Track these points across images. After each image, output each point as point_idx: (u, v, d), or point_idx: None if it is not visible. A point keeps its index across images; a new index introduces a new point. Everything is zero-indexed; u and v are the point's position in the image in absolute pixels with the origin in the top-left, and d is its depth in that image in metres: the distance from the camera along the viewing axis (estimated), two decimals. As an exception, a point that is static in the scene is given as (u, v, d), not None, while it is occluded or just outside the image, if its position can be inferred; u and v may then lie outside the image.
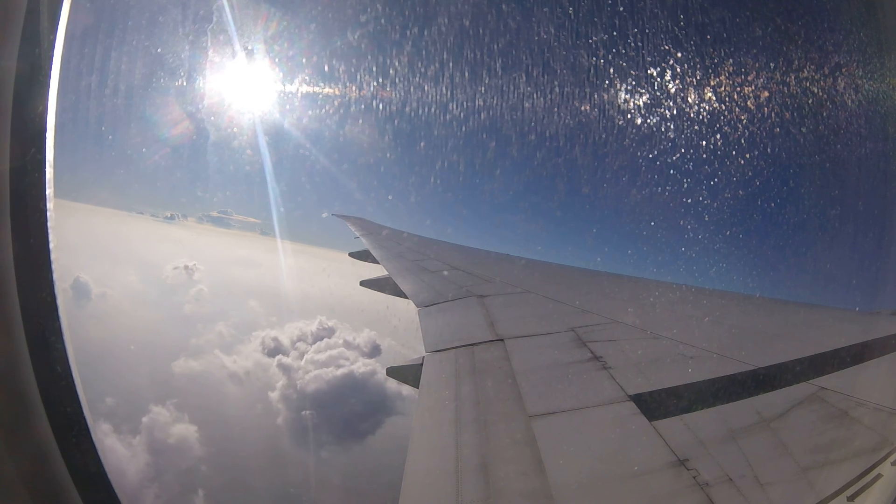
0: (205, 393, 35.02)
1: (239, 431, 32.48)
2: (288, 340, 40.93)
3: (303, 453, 32.01)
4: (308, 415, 33.66)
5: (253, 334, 41.80)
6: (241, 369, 38.17)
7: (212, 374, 37.11)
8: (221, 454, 29.32)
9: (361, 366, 37.40)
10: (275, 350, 39.72)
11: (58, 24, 1.56)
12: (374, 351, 40.38)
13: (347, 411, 34.28)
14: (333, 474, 30.03)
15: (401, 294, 6.80)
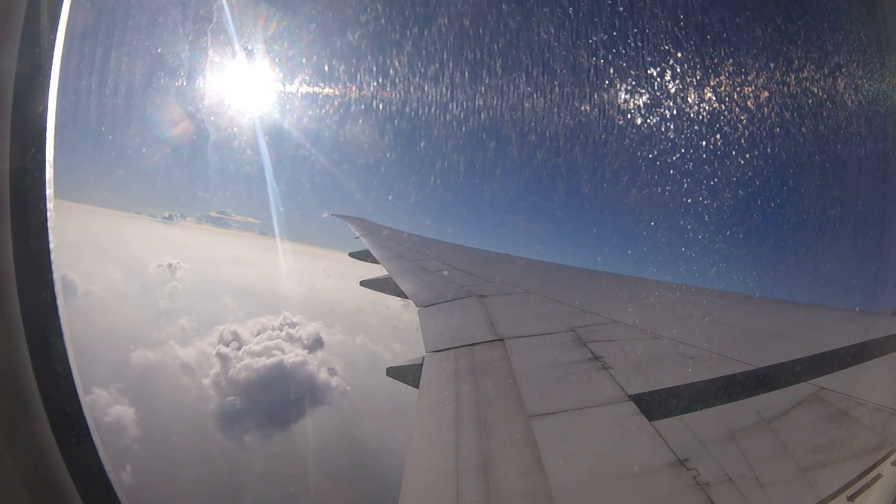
0: (153, 380, 37.41)
1: (174, 416, 34.87)
2: (247, 334, 43.01)
3: (227, 437, 34.85)
4: (234, 401, 36.39)
5: (215, 328, 43.89)
6: (192, 360, 40.74)
7: (166, 363, 39.75)
8: (155, 437, 31.25)
9: (294, 356, 40.14)
10: (231, 343, 41.87)
11: (58, 24, 1.55)
12: (315, 344, 43.01)
13: (276, 399, 37.01)
14: (254, 458, 32.47)
15: (401, 294, 6.80)
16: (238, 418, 35.25)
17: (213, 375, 38.44)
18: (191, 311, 47.79)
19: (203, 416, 35.56)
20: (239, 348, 40.18)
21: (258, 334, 42.03)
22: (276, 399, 36.96)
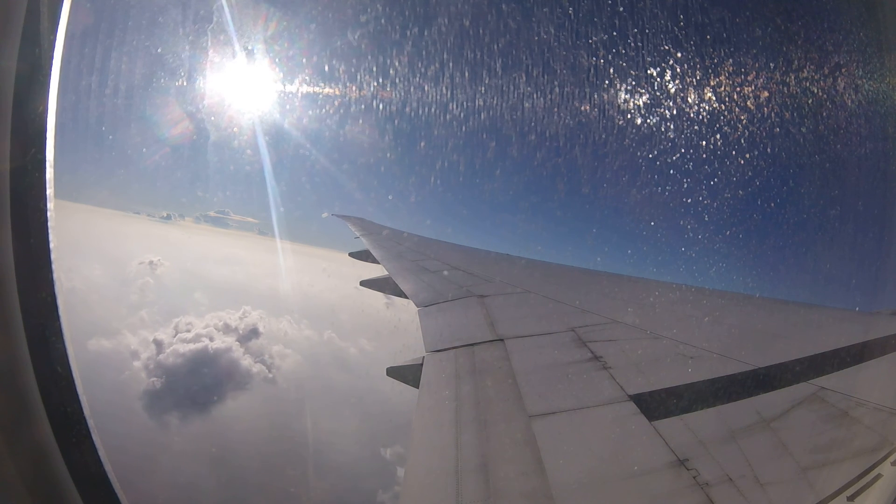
0: (101, 363, 38.87)
1: (112, 391, 36.43)
2: (200, 326, 44.55)
3: (149, 416, 37.01)
4: (155, 383, 38.99)
5: (173, 320, 45.24)
6: (140, 347, 42.55)
7: (117, 350, 41.62)
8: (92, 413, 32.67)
9: (220, 343, 42.29)
10: (170, 332, 43.75)
11: (58, 24, 1.55)
12: (250, 334, 44.46)
13: (202, 383, 39.65)
14: (173, 438, 34.25)
15: (401, 294, 6.80)
16: (158, 399, 37.87)
17: (145, 359, 40.85)
18: (155, 305, 49.10)
19: (131, 396, 37.80)
20: (175, 335, 42.29)
21: (206, 325, 44.00)
22: (196, 382, 39.43)
